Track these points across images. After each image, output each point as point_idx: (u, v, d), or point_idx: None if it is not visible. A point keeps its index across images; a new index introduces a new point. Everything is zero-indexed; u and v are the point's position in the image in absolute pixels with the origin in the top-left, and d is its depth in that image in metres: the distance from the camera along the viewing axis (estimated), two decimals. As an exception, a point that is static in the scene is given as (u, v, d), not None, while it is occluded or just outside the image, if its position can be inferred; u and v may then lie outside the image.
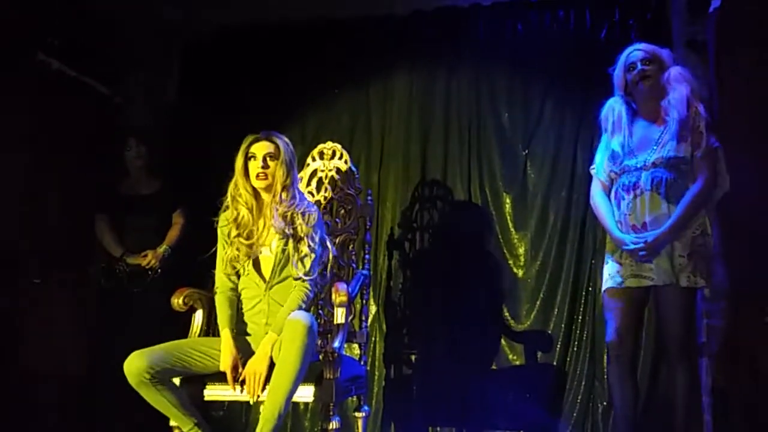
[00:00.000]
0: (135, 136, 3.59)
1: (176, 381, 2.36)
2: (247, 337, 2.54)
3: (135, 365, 2.20)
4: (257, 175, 2.48)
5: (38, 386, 3.31)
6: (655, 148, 2.59)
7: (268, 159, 2.49)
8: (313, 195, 3.07)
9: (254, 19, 4.09)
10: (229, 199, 2.55)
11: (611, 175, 2.70)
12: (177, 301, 2.56)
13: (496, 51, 3.80)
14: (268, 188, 2.52)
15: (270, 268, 2.50)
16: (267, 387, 2.25)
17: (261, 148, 2.50)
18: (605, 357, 3.36)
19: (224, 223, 2.56)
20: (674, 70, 2.63)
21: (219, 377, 2.38)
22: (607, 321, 2.66)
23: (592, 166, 2.84)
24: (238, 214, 2.51)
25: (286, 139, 2.61)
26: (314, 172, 3.10)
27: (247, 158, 2.51)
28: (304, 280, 2.44)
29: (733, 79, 2.89)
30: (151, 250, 3.43)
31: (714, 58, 3.09)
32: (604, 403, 3.35)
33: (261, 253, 2.52)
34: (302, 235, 2.47)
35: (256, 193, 2.55)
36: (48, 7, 3.49)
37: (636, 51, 2.68)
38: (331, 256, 2.59)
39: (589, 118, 3.55)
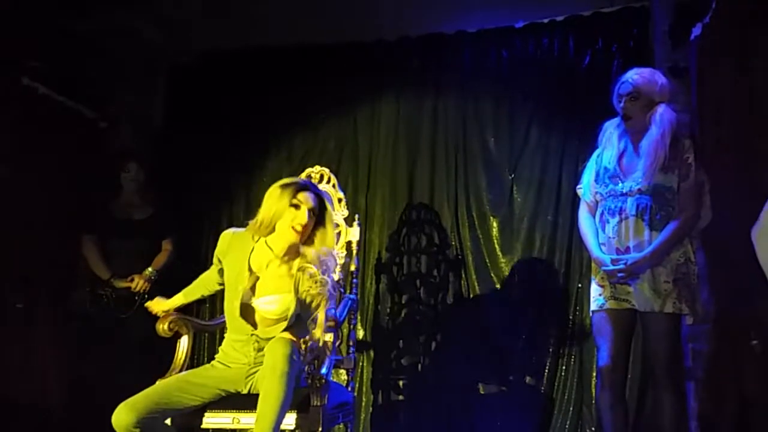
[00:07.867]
0: (136, 160, 3.56)
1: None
2: (224, 366, 2.40)
3: (122, 420, 2.10)
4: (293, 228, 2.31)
5: (17, 416, 3.23)
6: (640, 176, 2.60)
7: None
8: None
9: (241, 44, 4.11)
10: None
11: (596, 197, 2.72)
12: (162, 327, 2.52)
13: (482, 76, 3.84)
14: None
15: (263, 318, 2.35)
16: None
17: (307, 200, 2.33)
18: (593, 382, 3.36)
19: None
20: (658, 111, 2.59)
21: (219, 405, 2.30)
22: (599, 345, 2.65)
23: (578, 186, 2.85)
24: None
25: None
26: (301, 197, 3.09)
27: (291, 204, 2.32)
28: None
29: (714, 106, 2.93)
30: (137, 274, 3.39)
31: (696, 85, 3.13)
32: (593, 429, 3.34)
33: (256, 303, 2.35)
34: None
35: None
36: (33, 31, 3.48)
37: (626, 83, 2.65)
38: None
39: (573, 142, 3.60)
